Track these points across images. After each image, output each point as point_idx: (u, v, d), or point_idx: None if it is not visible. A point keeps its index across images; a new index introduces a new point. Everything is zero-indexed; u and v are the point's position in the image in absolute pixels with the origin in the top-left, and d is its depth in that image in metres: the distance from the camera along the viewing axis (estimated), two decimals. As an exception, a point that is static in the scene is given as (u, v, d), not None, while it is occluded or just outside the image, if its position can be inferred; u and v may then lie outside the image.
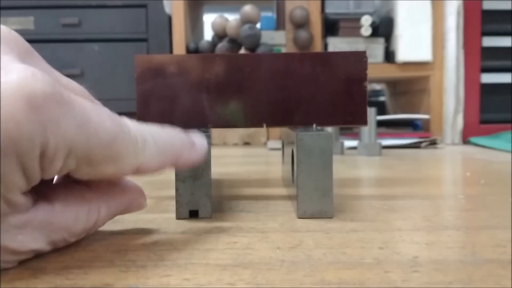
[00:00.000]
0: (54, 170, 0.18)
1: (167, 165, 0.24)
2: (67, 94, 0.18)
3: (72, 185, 0.22)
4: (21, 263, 0.20)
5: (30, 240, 0.19)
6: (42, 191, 0.20)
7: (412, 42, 0.93)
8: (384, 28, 0.95)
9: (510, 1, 0.96)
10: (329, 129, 0.67)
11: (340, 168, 0.57)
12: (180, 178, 0.28)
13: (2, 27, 0.20)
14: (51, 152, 0.17)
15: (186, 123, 0.33)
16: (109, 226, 0.27)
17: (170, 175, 0.29)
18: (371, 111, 0.72)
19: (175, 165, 0.24)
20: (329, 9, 1.00)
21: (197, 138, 0.26)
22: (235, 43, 0.95)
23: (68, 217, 0.20)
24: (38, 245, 0.19)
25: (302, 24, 0.95)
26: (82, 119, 0.18)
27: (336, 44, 0.96)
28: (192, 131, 0.26)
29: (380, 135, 0.84)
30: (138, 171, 0.22)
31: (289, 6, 0.96)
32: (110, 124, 0.20)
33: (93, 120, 0.19)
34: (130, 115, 0.25)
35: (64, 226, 0.20)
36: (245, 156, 0.76)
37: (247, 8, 0.92)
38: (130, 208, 0.25)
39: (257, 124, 0.33)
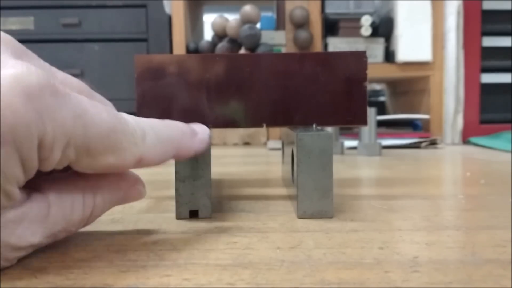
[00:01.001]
0: (53, 160, 0.18)
1: (169, 155, 0.24)
2: (62, 87, 0.19)
3: (64, 176, 0.22)
4: (21, 262, 0.20)
5: (29, 234, 0.19)
6: (34, 184, 0.20)
7: (412, 42, 0.93)
8: (384, 28, 0.95)
9: (510, 1, 0.96)
10: (329, 129, 0.67)
11: (340, 168, 0.57)
12: (180, 178, 0.28)
13: None
14: (49, 142, 0.18)
15: (186, 123, 0.33)
16: (109, 226, 0.27)
17: (170, 175, 0.29)
18: (371, 111, 0.72)
19: (177, 154, 0.24)
20: (329, 9, 1.00)
21: (198, 127, 0.26)
22: (235, 43, 0.95)
23: (63, 206, 0.20)
24: (37, 238, 0.19)
25: (302, 24, 0.95)
26: (78, 110, 0.19)
27: (336, 44, 0.96)
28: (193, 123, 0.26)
29: (380, 135, 0.84)
30: (140, 162, 0.22)
31: (289, 6, 0.96)
32: (107, 116, 0.20)
33: (90, 111, 0.19)
34: (130, 115, 0.25)
35: (61, 216, 0.20)
36: (245, 156, 0.76)
37: (247, 8, 0.92)
38: (129, 196, 0.24)
39: (257, 124, 0.33)
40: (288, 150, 0.36)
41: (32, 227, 0.19)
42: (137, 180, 0.25)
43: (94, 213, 0.22)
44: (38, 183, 0.20)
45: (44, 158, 0.18)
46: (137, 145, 0.21)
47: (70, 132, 0.18)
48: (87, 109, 0.19)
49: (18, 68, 0.17)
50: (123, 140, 0.20)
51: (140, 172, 0.25)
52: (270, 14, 1.04)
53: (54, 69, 0.23)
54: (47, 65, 0.22)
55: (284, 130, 0.39)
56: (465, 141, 0.96)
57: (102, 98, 0.25)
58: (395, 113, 1.14)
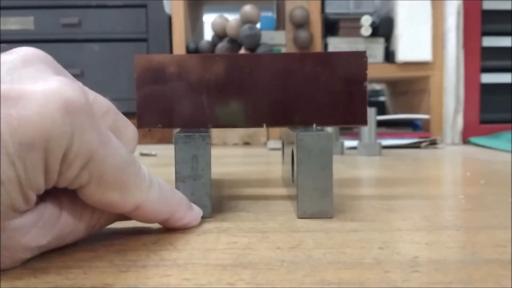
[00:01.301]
0: (68, 177, 0.19)
1: (163, 217, 0.25)
2: (95, 112, 0.20)
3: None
4: (21, 262, 0.20)
5: (40, 236, 0.19)
6: (50, 190, 0.20)
7: (412, 42, 0.93)
8: (384, 28, 0.95)
9: (510, 1, 0.96)
10: (329, 129, 0.67)
11: (340, 168, 0.57)
12: (180, 178, 0.28)
13: (39, 51, 0.21)
14: (72, 156, 0.18)
15: (186, 123, 0.33)
16: (109, 226, 0.27)
17: (170, 175, 0.29)
18: (371, 111, 0.72)
19: (169, 220, 0.25)
20: (329, 9, 1.00)
21: (196, 206, 0.27)
22: (235, 43, 0.95)
23: (74, 214, 0.21)
24: (46, 240, 0.20)
25: (302, 24, 0.95)
26: (105, 138, 0.20)
27: (336, 44, 0.96)
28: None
29: (380, 135, 0.84)
30: (137, 210, 0.22)
31: (289, 6, 0.96)
32: (126, 153, 0.21)
33: (113, 143, 0.21)
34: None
35: (72, 221, 0.21)
36: (245, 156, 0.76)
37: (247, 8, 0.92)
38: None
39: (257, 124, 0.33)
40: (288, 150, 0.36)
41: (44, 229, 0.19)
42: None
43: (100, 222, 0.23)
44: (52, 189, 0.21)
45: (61, 173, 0.19)
46: (142, 192, 0.22)
47: (92, 153, 0.19)
48: (111, 141, 0.20)
49: (62, 83, 0.19)
50: (132, 182, 0.21)
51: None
52: (270, 14, 1.04)
53: (86, 89, 0.23)
54: (80, 84, 0.23)
55: (284, 130, 0.39)
56: (465, 141, 0.96)
57: (125, 118, 0.26)
58: (395, 113, 1.14)
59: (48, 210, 0.20)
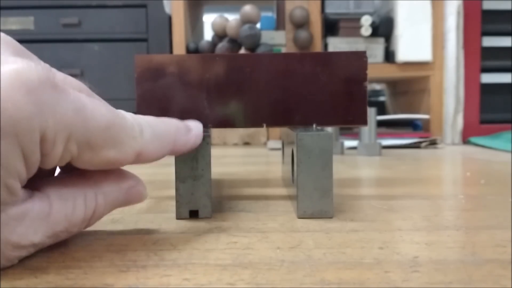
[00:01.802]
0: (56, 155, 0.19)
1: (166, 150, 0.24)
2: (62, 84, 0.19)
3: (65, 177, 0.22)
4: (21, 262, 0.20)
5: (31, 233, 0.19)
6: (36, 184, 0.20)
7: (412, 42, 0.93)
8: (384, 28, 0.95)
9: (510, 1, 0.96)
10: (329, 129, 0.67)
11: (340, 168, 0.57)
12: (180, 178, 0.28)
13: None
14: (51, 136, 0.18)
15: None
16: (109, 226, 0.27)
17: (170, 175, 0.29)
18: (371, 111, 0.72)
19: (174, 150, 0.25)
20: (329, 9, 1.00)
21: (192, 123, 0.27)
22: (235, 43, 0.95)
23: (65, 206, 0.20)
24: (38, 237, 0.19)
25: (302, 24, 0.95)
26: (77, 105, 0.19)
27: (336, 44, 0.96)
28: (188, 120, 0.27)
29: (380, 135, 0.84)
30: (139, 156, 0.22)
31: (289, 6, 0.96)
32: (106, 110, 0.20)
33: (89, 105, 0.20)
34: (127, 112, 0.25)
35: (63, 215, 0.20)
36: (245, 156, 0.76)
37: (247, 8, 0.92)
38: (130, 198, 0.24)
39: (257, 124, 0.33)
40: (288, 150, 0.36)
41: (33, 225, 0.19)
42: (138, 182, 0.25)
43: (96, 214, 0.22)
44: (39, 183, 0.20)
45: (46, 153, 0.18)
46: (136, 140, 0.22)
47: (71, 126, 0.19)
48: (86, 104, 0.20)
49: (19, 64, 0.18)
50: (123, 134, 0.21)
51: (140, 172, 0.25)
52: (270, 14, 1.04)
53: (54, 70, 0.23)
54: (47, 65, 0.22)
55: (284, 130, 0.39)
56: (465, 141, 0.96)
57: (99, 98, 0.25)
58: (395, 113, 1.14)
59: (36, 206, 0.19)
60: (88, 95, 0.23)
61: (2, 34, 0.21)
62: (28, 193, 0.19)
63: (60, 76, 0.23)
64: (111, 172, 0.23)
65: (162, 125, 0.24)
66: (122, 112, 0.22)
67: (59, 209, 0.20)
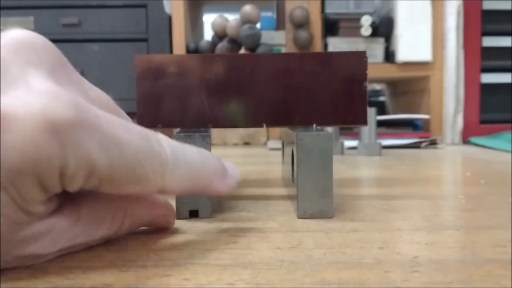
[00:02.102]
0: (75, 187, 0.18)
1: (193, 192, 0.23)
2: (93, 114, 0.18)
3: (99, 192, 0.21)
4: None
5: (50, 245, 0.19)
6: (69, 194, 0.20)
7: (412, 42, 0.93)
8: (384, 28, 0.95)
9: (510, 1, 0.96)
10: (329, 129, 0.67)
11: (340, 168, 0.57)
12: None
13: (34, 34, 0.20)
14: (71, 172, 0.17)
15: (186, 123, 0.33)
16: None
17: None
18: (371, 111, 0.72)
19: (202, 192, 0.24)
20: (329, 9, 1.00)
21: (230, 166, 0.25)
22: (235, 43, 0.95)
23: (90, 224, 0.20)
24: (56, 248, 0.19)
25: (302, 24, 0.95)
26: (106, 141, 0.18)
27: (336, 44, 0.96)
28: (221, 161, 0.25)
29: (380, 135, 0.84)
30: (162, 192, 0.21)
31: (289, 6, 0.96)
32: (139, 144, 0.19)
33: (121, 139, 0.19)
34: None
35: (86, 233, 0.20)
36: (245, 156, 0.76)
37: (247, 8, 0.92)
38: (156, 224, 0.25)
39: (257, 124, 0.33)
40: (288, 150, 0.36)
41: (58, 237, 0.19)
42: (169, 210, 0.25)
43: (118, 233, 0.22)
44: (73, 194, 0.20)
45: (66, 184, 0.18)
46: (164, 179, 0.20)
47: (94, 164, 0.18)
48: (119, 138, 0.19)
49: (46, 96, 0.17)
50: (150, 173, 0.20)
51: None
52: (270, 14, 1.04)
53: (87, 85, 0.22)
54: (81, 80, 0.21)
55: (284, 130, 0.39)
56: (465, 141, 0.96)
57: (127, 116, 0.24)
58: (395, 113, 1.14)
59: (63, 220, 0.19)
60: (116, 113, 0.22)
61: (38, 40, 0.19)
62: (57, 204, 0.19)
63: (92, 93, 0.22)
64: (146, 198, 0.23)
65: (200, 162, 0.23)
66: (159, 138, 0.21)
67: (84, 227, 0.20)
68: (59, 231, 0.19)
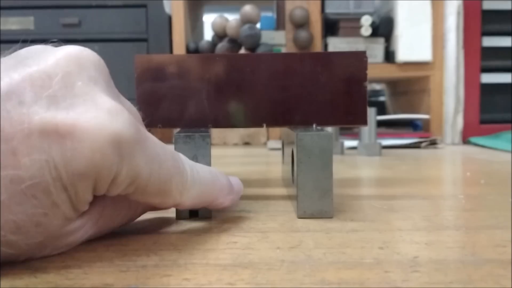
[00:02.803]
0: (116, 192, 0.20)
1: (201, 206, 0.26)
2: (144, 132, 0.21)
3: None
4: (21, 262, 0.20)
5: (83, 235, 0.21)
6: None
7: (412, 42, 0.93)
8: (384, 28, 0.95)
9: (510, 1, 0.96)
10: (329, 129, 0.67)
11: (340, 168, 0.57)
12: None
13: (90, 50, 0.21)
14: (120, 180, 0.20)
15: (186, 123, 0.33)
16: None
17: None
18: (371, 111, 0.72)
19: (208, 206, 0.27)
20: (329, 9, 1.00)
21: (236, 182, 0.28)
22: (235, 43, 0.95)
23: (112, 216, 0.23)
24: (87, 237, 0.22)
25: (302, 24, 0.95)
26: (151, 156, 0.21)
27: (336, 44, 0.96)
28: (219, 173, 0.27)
29: (380, 135, 0.84)
30: (177, 206, 0.25)
31: (289, 6, 0.96)
32: (172, 164, 0.22)
33: (160, 157, 0.21)
34: (187, 159, 0.25)
35: (109, 223, 0.23)
36: (245, 156, 0.76)
37: (247, 8, 0.92)
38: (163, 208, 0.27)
39: (257, 124, 0.33)
40: (288, 150, 0.36)
41: (87, 230, 0.21)
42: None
43: (133, 219, 0.25)
44: None
45: (110, 190, 0.20)
46: (182, 195, 0.23)
47: (139, 174, 0.20)
48: (158, 155, 0.21)
49: (112, 113, 0.19)
50: (174, 189, 0.22)
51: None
52: (270, 14, 1.04)
53: (122, 98, 0.23)
54: (119, 94, 0.23)
55: (284, 130, 0.39)
56: (465, 141, 0.96)
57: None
58: (395, 113, 1.14)
59: (92, 216, 0.21)
60: (140, 123, 0.25)
61: (95, 58, 0.21)
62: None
63: (127, 106, 0.23)
64: None
65: (210, 181, 0.25)
66: (182, 160, 0.24)
67: (107, 219, 0.23)
68: (90, 225, 0.21)
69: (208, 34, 1.11)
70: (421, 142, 0.86)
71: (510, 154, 0.71)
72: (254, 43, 0.91)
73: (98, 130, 0.18)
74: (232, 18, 0.95)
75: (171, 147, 0.24)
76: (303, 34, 0.93)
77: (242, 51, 0.93)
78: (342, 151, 0.76)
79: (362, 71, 0.33)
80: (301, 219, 0.28)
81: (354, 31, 0.95)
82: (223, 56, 0.33)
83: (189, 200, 0.24)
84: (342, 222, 0.28)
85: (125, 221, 0.25)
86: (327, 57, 0.33)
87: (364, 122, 0.33)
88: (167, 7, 1.02)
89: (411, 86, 1.06)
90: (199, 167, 0.25)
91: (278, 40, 0.98)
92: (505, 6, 0.97)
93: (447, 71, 0.95)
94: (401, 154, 0.74)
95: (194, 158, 0.28)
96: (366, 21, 0.94)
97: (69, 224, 0.20)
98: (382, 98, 1.29)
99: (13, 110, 0.18)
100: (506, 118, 0.97)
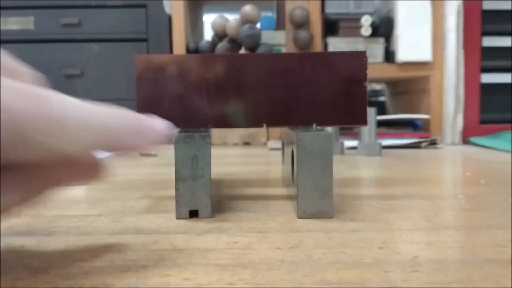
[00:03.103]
0: None
1: (98, 147, 0.19)
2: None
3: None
4: (21, 262, 0.20)
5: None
6: None
7: (412, 42, 0.93)
8: (384, 28, 0.95)
9: (510, 1, 0.96)
10: (329, 129, 0.67)
11: (340, 168, 0.57)
12: (180, 178, 0.28)
13: None
14: None
15: (186, 123, 0.33)
16: (109, 226, 0.27)
17: (170, 175, 0.29)
18: (371, 111, 0.72)
19: (113, 149, 0.20)
20: (329, 9, 1.00)
21: (157, 122, 0.21)
22: (235, 43, 0.95)
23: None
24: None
25: (302, 24, 0.95)
26: None
27: (336, 44, 0.96)
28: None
29: (380, 135, 0.84)
30: (61, 155, 0.18)
31: (289, 6, 0.96)
32: (17, 104, 0.16)
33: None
34: (67, 96, 0.23)
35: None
36: (245, 156, 0.76)
37: (247, 8, 0.92)
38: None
39: (257, 124, 0.33)
40: (288, 150, 0.36)
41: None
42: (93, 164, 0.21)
43: (34, 194, 0.20)
44: None
45: None
46: (59, 140, 0.18)
47: None
48: None
49: None
50: (37, 134, 0.17)
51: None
52: (270, 14, 1.04)
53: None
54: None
55: (284, 130, 0.39)
56: (465, 141, 0.96)
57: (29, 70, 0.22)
58: (395, 113, 1.14)
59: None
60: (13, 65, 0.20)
61: None
62: None
63: None
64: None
65: (106, 119, 0.19)
66: (56, 99, 0.18)
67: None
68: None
69: (208, 34, 1.11)
70: (421, 142, 0.86)
71: (510, 154, 0.71)
72: (254, 43, 0.91)
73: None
74: (232, 18, 0.95)
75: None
76: (303, 34, 0.93)
77: (242, 51, 0.93)
78: (342, 151, 0.76)
79: (362, 71, 0.33)
80: (301, 219, 0.28)
81: (354, 31, 0.95)
82: (223, 56, 0.33)
83: (77, 144, 0.18)
84: (342, 222, 0.28)
85: (20, 204, 0.19)
86: (327, 57, 0.33)
87: (364, 122, 0.33)
88: (167, 7, 1.02)
89: (411, 86, 1.06)
90: (85, 103, 0.19)
91: (278, 40, 0.98)
92: (505, 6, 0.97)
93: (447, 71, 0.95)
94: (401, 154, 0.74)
95: (194, 158, 0.28)
96: (366, 21, 0.94)
97: None
98: (382, 98, 1.29)
99: None
100: (506, 118, 0.97)
